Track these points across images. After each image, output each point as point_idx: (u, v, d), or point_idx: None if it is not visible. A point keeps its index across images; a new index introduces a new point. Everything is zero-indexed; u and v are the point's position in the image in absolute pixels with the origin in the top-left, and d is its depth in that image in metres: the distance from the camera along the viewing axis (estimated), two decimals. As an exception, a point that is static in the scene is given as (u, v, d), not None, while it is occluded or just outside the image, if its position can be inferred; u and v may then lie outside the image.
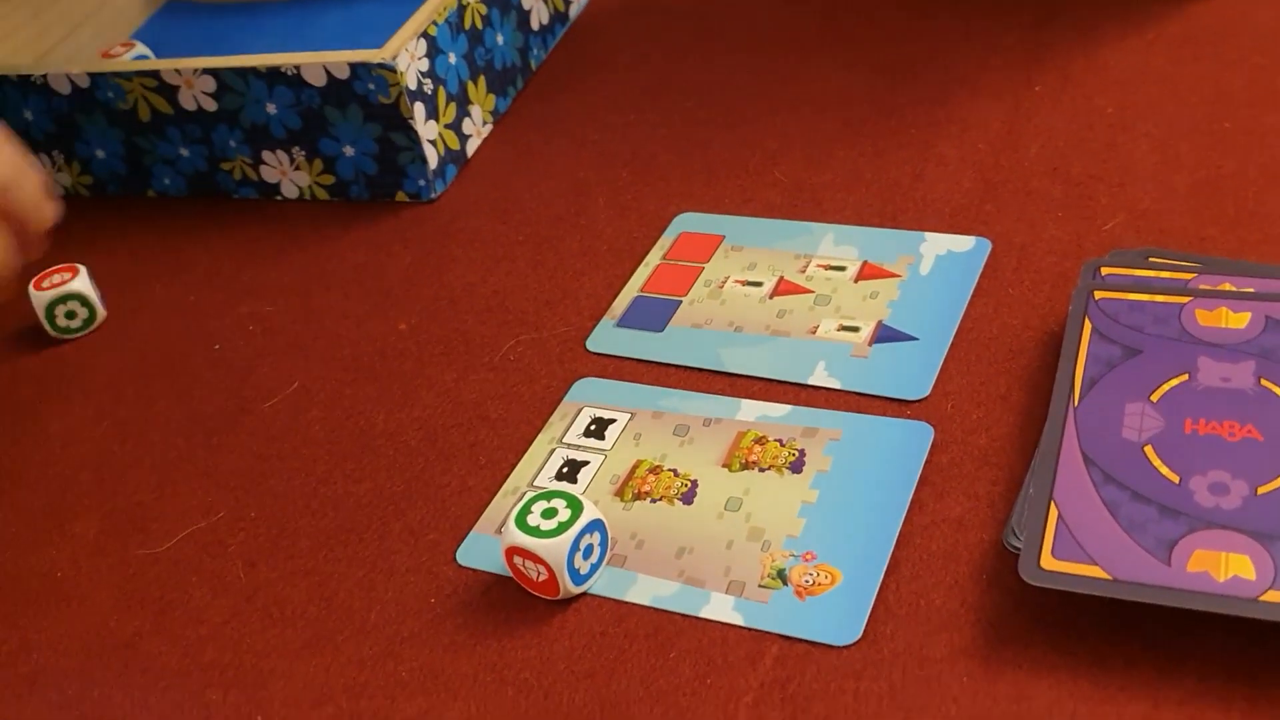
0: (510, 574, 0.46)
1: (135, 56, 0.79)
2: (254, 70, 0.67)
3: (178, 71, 0.68)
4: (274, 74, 0.66)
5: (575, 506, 0.45)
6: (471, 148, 0.71)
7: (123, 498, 0.54)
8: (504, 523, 0.48)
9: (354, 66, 0.64)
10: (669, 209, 0.63)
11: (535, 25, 0.77)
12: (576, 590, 0.45)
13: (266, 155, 0.70)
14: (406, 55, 0.65)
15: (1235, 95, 0.62)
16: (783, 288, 0.57)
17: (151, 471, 0.55)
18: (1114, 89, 0.65)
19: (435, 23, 0.67)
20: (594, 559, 0.46)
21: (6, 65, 0.75)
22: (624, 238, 0.62)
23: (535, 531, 0.44)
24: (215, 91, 0.68)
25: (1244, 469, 0.42)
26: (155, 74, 0.69)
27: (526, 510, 0.45)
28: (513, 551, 0.45)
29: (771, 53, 0.74)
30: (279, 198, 0.71)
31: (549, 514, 0.45)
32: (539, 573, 0.45)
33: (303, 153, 0.69)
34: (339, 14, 0.85)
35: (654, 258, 0.61)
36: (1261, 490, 0.41)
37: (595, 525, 0.45)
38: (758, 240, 0.60)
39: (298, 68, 0.66)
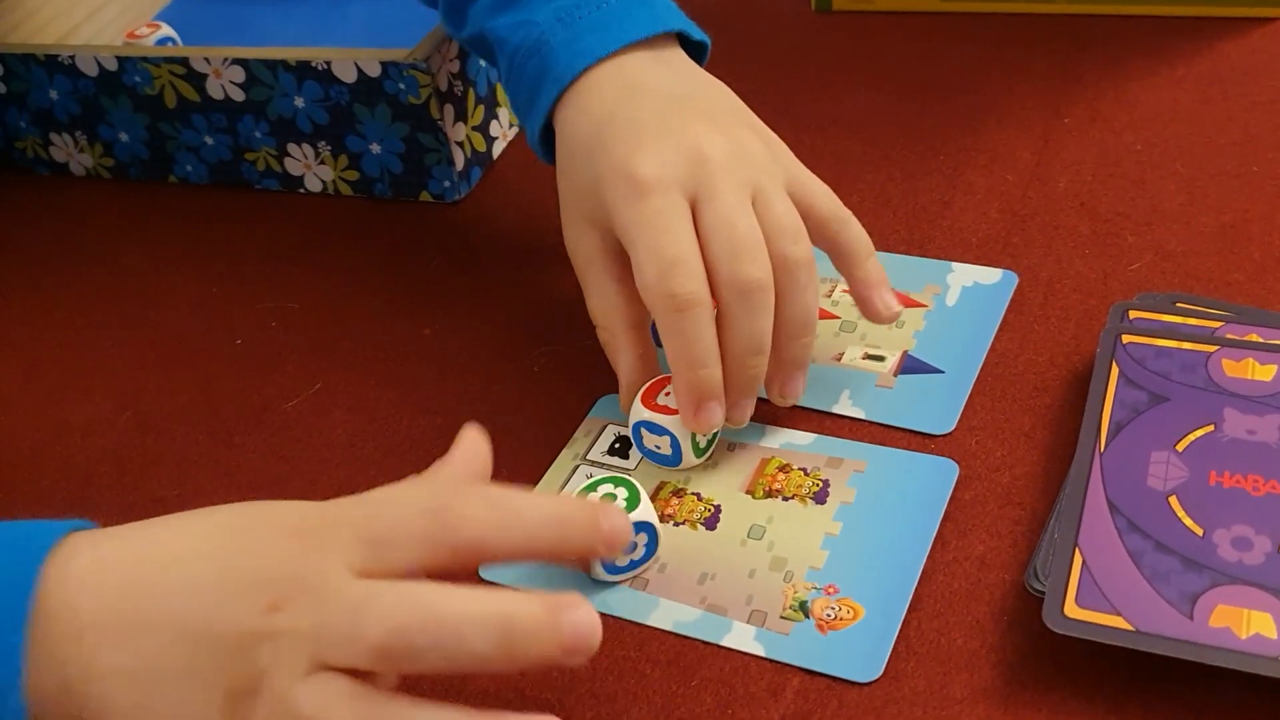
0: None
1: (160, 38, 0.78)
2: (284, 63, 0.66)
3: (207, 60, 0.68)
4: (304, 68, 0.66)
5: (632, 502, 0.46)
6: (497, 150, 0.71)
7: (144, 493, 0.54)
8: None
9: (385, 65, 0.64)
10: (695, 224, 0.64)
11: (564, 28, 0.77)
12: (607, 578, 0.46)
13: (292, 148, 0.70)
14: (439, 56, 0.65)
15: (1263, 138, 0.63)
16: (808, 311, 0.57)
17: (173, 467, 0.55)
18: (1142, 125, 0.65)
19: (469, 25, 0.67)
20: (635, 556, 0.46)
21: (32, 44, 0.75)
22: (649, 251, 0.62)
23: None
24: (244, 82, 0.68)
25: (1267, 525, 0.42)
26: (184, 61, 0.69)
27: (592, 489, 0.46)
28: None
29: (800, 69, 0.74)
30: (302, 190, 0.71)
31: (608, 499, 0.46)
32: None
33: (329, 148, 0.69)
34: (366, 6, 0.85)
35: (679, 273, 0.61)
36: (1285, 548, 0.41)
37: (644, 527, 0.46)
38: (784, 261, 0.60)
39: (328, 63, 0.66)
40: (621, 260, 0.50)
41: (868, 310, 0.51)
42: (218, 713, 0.36)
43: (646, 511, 0.46)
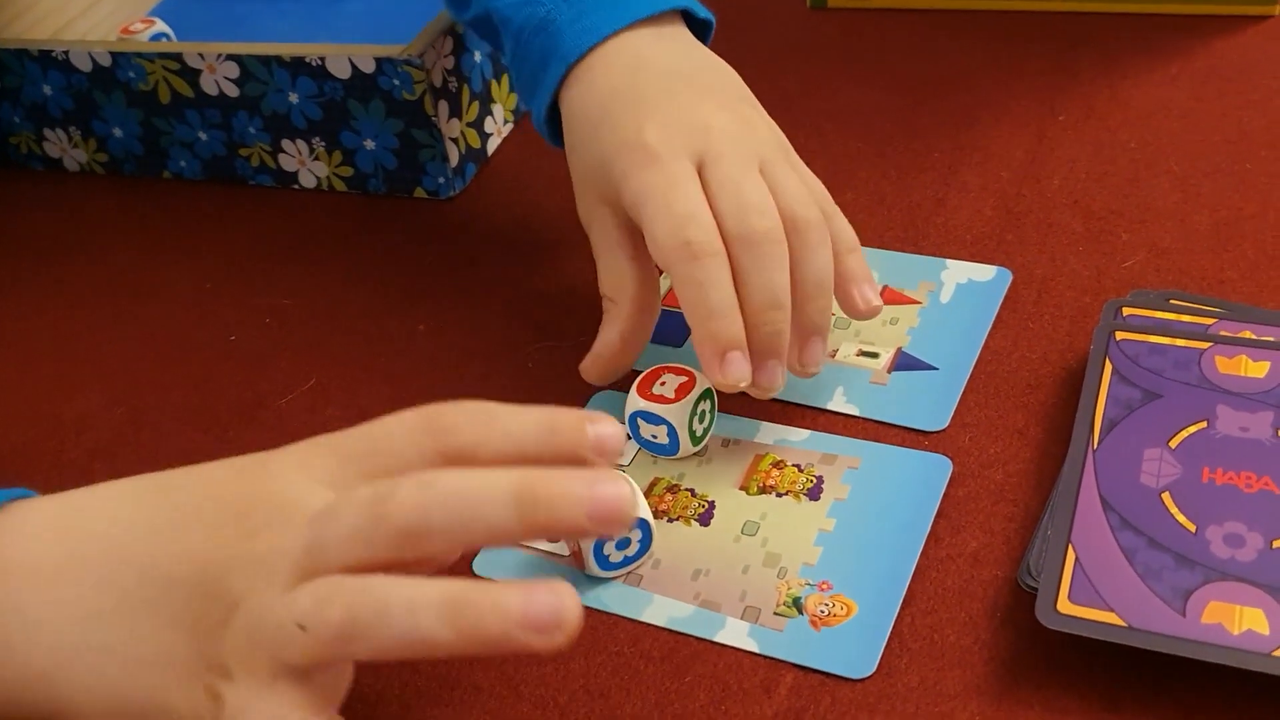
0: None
1: (154, 34, 0.78)
2: (278, 59, 0.66)
3: (201, 55, 0.68)
4: (298, 64, 0.66)
5: None
6: (492, 146, 0.71)
7: (137, 488, 0.54)
8: None
9: (380, 61, 0.64)
10: (689, 220, 0.64)
11: (559, 24, 0.77)
12: (602, 573, 0.46)
13: (286, 144, 0.70)
14: (433, 52, 0.65)
15: (1257, 135, 0.63)
16: (802, 308, 0.57)
17: (166, 463, 0.54)
18: (1137, 123, 0.65)
19: (463, 21, 0.67)
20: (629, 552, 0.46)
21: (27, 39, 0.75)
22: (644, 247, 0.63)
23: None
24: (238, 78, 0.68)
25: (1260, 521, 0.42)
26: (178, 56, 0.69)
27: None
28: None
29: (794, 66, 0.74)
30: (296, 186, 0.71)
31: None
32: (572, 543, 0.46)
33: (322, 144, 0.69)
34: (361, 1, 0.85)
35: (674, 270, 0.61)
36: (1277, 544, 0.41)
37: (638, 523, 0.46)
38: (778, 258, 0.60)
39: (322, 59, 0.65)
40: (635, 237, 0.50)
41: (847, 304, 0.51)
42: (181, 653, 0.35)
43: (641, 508, 0.46)
